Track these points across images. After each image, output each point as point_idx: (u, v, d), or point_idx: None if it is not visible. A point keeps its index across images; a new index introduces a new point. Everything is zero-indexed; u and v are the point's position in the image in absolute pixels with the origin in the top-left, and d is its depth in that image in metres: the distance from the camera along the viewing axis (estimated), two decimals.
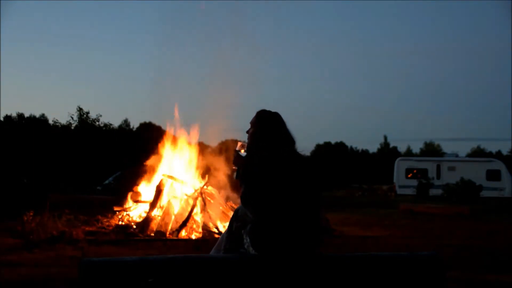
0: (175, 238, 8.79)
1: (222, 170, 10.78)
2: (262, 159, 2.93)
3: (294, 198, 2.86)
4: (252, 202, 2.89)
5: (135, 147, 19.80)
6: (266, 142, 3.02)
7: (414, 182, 27.09)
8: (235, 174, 3.08)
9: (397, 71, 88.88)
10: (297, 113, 68.70)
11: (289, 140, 3.08)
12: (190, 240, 8.72)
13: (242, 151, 3.15)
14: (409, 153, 56.68)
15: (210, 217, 9.50)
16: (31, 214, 8.57)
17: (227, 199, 10.62)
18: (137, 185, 11.17)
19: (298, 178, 2.92)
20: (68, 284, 4.89)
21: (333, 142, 60.08)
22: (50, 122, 26.84)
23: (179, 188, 10.20)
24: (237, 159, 3.12)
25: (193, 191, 10.11)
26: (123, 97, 79.34)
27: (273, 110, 3.16)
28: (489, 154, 54.72)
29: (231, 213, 9.10)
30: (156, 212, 9.62)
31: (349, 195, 30.41)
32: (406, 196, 25.56)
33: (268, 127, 3.07)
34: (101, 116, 25.39)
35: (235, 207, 9.06)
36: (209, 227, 9.25)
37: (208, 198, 10.02)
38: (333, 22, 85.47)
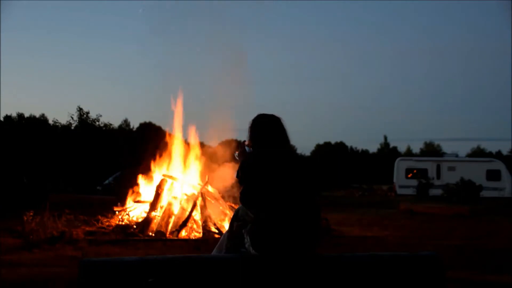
0: (175, 238, 8.79)
1: (223, 170, 10.77)
2: (259, 160, 2.95)
3: (292, 198, 2.87)
4: (250, 201, 2.91)
5: (135, 147, 19.81)
6: (262, 145, 3.04)
7: (414, 182, 27.04)
8: (236, 172, 3.09)
9: (397, 71, 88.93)
10: (297, 113, 68.77)
11: (285, 141, 3.08)
12: (190, 240, 8.73)
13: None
14: (409, 153, 56.58)
15: (210, 217, 9.50)
16: (31, 214, 8.56)
17: (228, 199, 10.62)
18: (137, 185, 11.17)
19: (296, 178, 2.94)
20: (68, 284, 4.88)
21: (333, 142, 60.11)
22: (50, 122, 26.79)
23: (179, 188, 10.20)
24: (241, 154, 3.14)
25: (193, 191, 10.11)
26: (123, 97, 79.35)
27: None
28: (489, 154, 54.63)
29: (231, 213, 9.12)
30: (156, 212, 9.62)
31: (349, 195, 30.42)
32: (406, 196, 25.50)
33: (262, 130, 3.08)
34: (101, 116, 25.34)
35: (235, 207, 9.08)
36: (209, 227, 9.25)
37: (208, 198, 10.02)
38: (334, 22, 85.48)
